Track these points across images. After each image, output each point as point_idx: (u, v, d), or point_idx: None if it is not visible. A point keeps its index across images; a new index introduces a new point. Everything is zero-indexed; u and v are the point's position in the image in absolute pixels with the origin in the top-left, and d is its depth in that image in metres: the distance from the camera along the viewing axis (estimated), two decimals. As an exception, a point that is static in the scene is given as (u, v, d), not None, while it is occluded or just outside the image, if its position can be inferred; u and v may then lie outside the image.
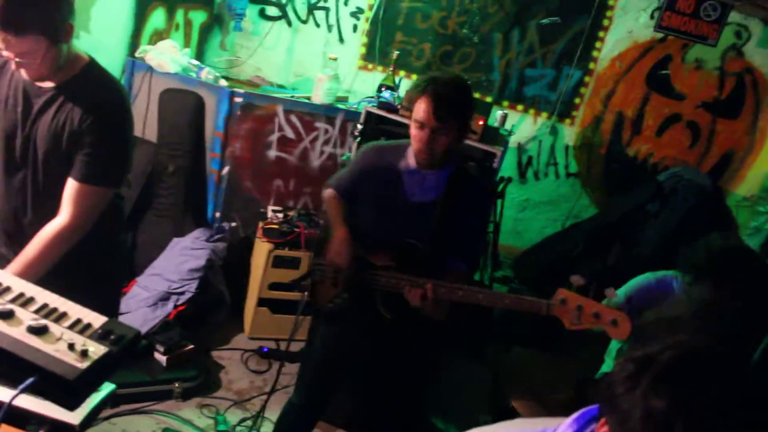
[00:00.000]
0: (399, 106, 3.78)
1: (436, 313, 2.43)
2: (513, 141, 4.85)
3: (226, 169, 4.27)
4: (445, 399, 3.64)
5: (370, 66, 5.03)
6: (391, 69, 4.03)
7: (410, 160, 2.54)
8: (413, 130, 2.44)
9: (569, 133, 5.11)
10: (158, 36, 4.52)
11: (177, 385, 3.50)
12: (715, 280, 2.70)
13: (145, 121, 4.28)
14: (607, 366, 3.12)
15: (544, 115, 5.05)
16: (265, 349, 4.09)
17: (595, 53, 4.92)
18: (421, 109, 2.37)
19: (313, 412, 2.94)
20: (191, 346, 3.70)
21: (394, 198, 2.56)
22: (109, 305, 2.52)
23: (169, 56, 4.18)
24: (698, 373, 0.96)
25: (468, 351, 3.58)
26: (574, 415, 1.21)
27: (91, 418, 1.52)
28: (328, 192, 2.79)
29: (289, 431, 2.95)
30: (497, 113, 4.06)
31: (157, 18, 4.50)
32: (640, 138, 5.09)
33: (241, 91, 4.20)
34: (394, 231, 2.53)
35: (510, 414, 2.70)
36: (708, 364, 0.98)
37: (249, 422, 3.43)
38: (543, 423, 1.26)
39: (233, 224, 4.39)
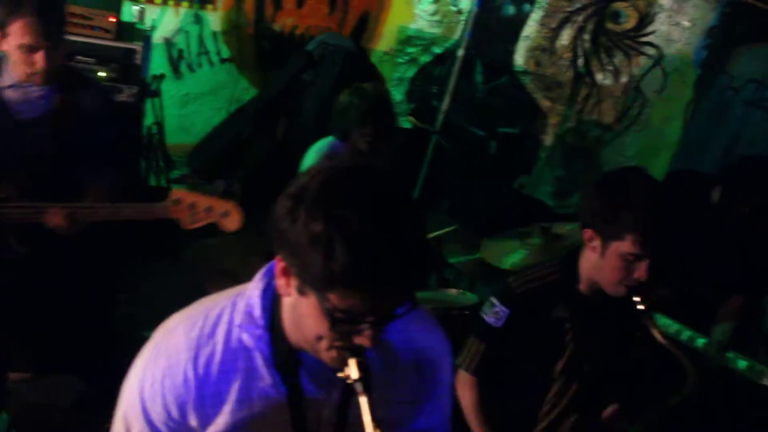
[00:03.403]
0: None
1: (72, 231, 2.31)
2: (158, 37, 4.66)
3: None
4: (151, 308, 3.59)
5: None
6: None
7: (8, 75, 2.32)
8: (18, 57, 2.20)
9: (214, 19, 5.04)
10: None
11: None
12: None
13: None
14: None
15: (185, 4, 4.89)
16: None
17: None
18: (24, 31, 2.12)
19: None
20: None
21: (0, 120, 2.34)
22: None
23: None
24: (342, 189, 1.06)
25: (161, 255, 3.55)
26: (261, 270, 1.29)
27: None
28: None
29: None
30: (133, 9, 3.87)
31: None
32: (282, 12, 5.21)
33: None
34: (12, 157, 2.32)
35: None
36: (348, 179, 1.08)
37: None
38: (237, 290, 1.32)
39: None
